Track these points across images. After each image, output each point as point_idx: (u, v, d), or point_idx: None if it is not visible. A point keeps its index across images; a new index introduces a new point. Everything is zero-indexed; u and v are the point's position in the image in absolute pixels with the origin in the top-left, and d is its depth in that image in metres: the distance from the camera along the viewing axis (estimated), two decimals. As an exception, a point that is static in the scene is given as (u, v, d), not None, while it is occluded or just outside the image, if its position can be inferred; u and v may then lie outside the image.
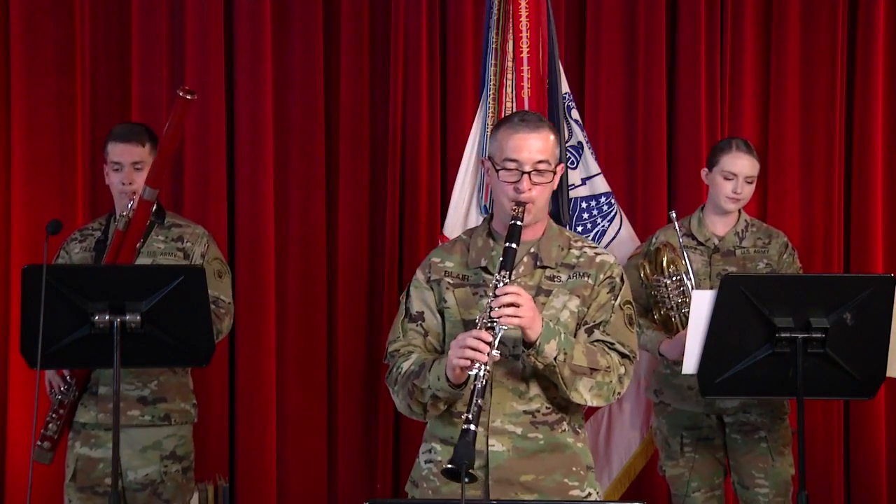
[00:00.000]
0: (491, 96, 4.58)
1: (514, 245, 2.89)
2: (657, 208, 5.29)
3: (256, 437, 5.10)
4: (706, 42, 5.35)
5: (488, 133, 4.55)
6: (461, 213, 4.58)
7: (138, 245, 3.98)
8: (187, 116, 3.98)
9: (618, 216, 4.71)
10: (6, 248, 4.99)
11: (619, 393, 3.01)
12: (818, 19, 5.40)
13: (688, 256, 4.24)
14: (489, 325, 2.81)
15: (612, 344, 3.01)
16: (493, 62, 4.59)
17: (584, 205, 4.68)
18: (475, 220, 4.53)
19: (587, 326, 3.02)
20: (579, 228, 4.64)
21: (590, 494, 3.03)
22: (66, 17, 5.04)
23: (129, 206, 3.95)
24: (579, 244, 3.10)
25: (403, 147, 5.20)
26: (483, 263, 3.02)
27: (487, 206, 4.52)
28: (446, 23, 5.28)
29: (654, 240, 4.38)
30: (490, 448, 2.95)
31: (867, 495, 5.35)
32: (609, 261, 3.07)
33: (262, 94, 5.13)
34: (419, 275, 3.11)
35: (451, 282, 3.04)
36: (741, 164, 4.26)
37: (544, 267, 3.02)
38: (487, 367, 2.78)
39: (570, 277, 3.02)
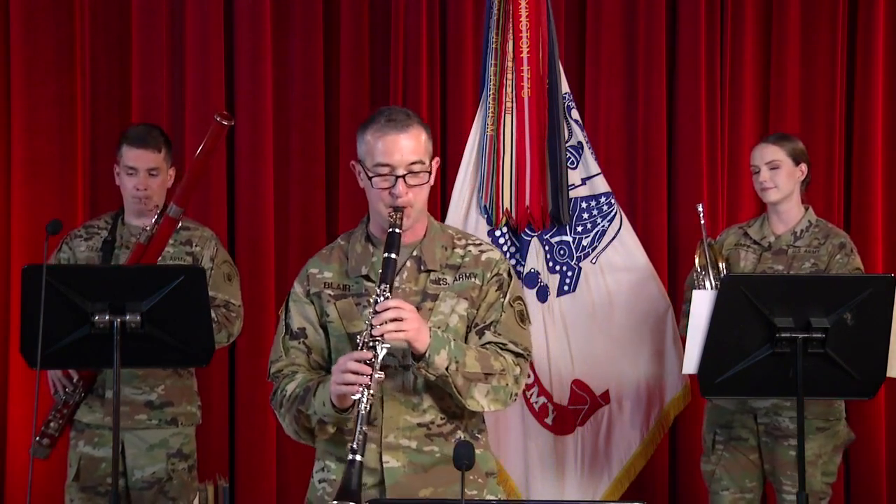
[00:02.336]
0: (491, 96, 4.58)
1: (393, 255, 2.75)
2: (657, 208, 5.29)
3: (256, 437, 5.10)
4: (706, 42, 5.35)
5: (488, 133, 4.56)
6: (461, 213, 4.57)
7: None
8: (221, 140, 3.98)
9: (618, 216, 4.70)
10: (6, 248, 4.99)
11: (515, 395, 2.89)
12: (818, 19, 5.40)
13: (740, 254, 4.29)
14: (370, 343, 2.68)
15: (505, 344, 2.88)
16: (493, 62, 4.58)
17: (584, 205, 4.67)
18: (475, 220, 4.53)
19: (478, 328, 2.90)
20: (579, 228, 4.64)
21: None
22: (66, 17, 5.05)
23: (153, 221, 3.94)
24: (462, 241, 2.96)
25: (403, 147, 5.20)
26: (364, 271, 2.88)
27: (487, 206, 4.53)
28: (446, 23, 5.28)
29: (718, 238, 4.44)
30: (385, 465, 2.83)
31: (867, 495, 5.35)
32: (495, 257, 2.94)
33: (262, 94, 5.13)
34: (297, 288, 2.94)
35: (332, 293, 2.89)
36: (758, 154, 4.29)
37: (428, 271, 2.88)
38: (371, 391, 2.65)
39: (456, 279, 2.89)
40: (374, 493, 2.80)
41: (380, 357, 2.68)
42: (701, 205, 4.36)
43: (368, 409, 2.65)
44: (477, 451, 2.87)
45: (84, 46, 5.07)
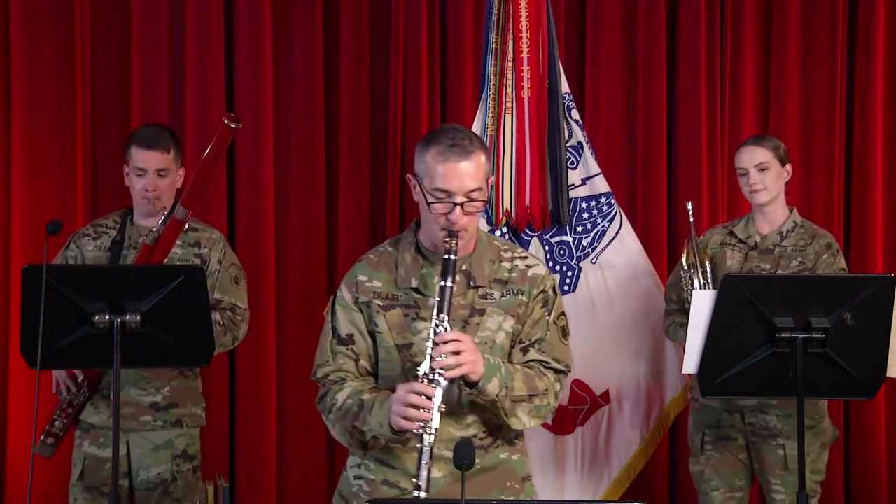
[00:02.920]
0: (491, 96, 4.58)
1: (449, 283, 2.75)
2: (657, 208, 5.29)
3: (256, 437, 5.10)
4: (706, 42, 5.35)
5: (488, 133, 4.56)
6: (461, 213, 4.57)
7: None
8: (228, 143, 3.98)
9: (618, 216, 4.71)
10: (6, 248, 4.99)
11: (554, 409, 2.99)
12: (818, 19, 5.41)
13: (725, 254, 4.28)
14: (431, 378, 2.70)
15: (549, 363, 2.95)
16: (493, 62, 4.59)
17: (584, 205, 4.67)
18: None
19: (523, 346, 2.95)
20: (579, 228, 4.64)
21: None
22: (66, 17, 5.05)
23: (160, 222, 3.94)
24: (509, 255, 2.99)
25: (403, 147, 5.20)
26: (414, 284, 2.90)
27: (487, 206, 4.53)
28: (446, 23, 5.28)
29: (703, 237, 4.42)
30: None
31: (867, 495, 5.35)
32: (541, 273, 2.98)
33: (262, 94, 5.13)
34: (345, 293, 2.94)
35: (381, 304, 2.90)
36: (746, 157, 4.28)
37: (477, 286, 2.91)
38: (434, 426, 2.69)
39: (503, 295, 2.93)
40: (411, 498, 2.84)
41: (441, 391, 2.71)
42: (690, 203, 4.35)
43: (431, 443, 2.68)
44: (514, 458, 2.99)
45: (84, 46, 5.06)
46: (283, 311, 5.17)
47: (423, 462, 2.66)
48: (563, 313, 3.02)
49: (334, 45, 5.25)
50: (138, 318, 3.45)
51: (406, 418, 2.70)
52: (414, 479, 2.67)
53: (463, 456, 2.62)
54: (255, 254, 5.10)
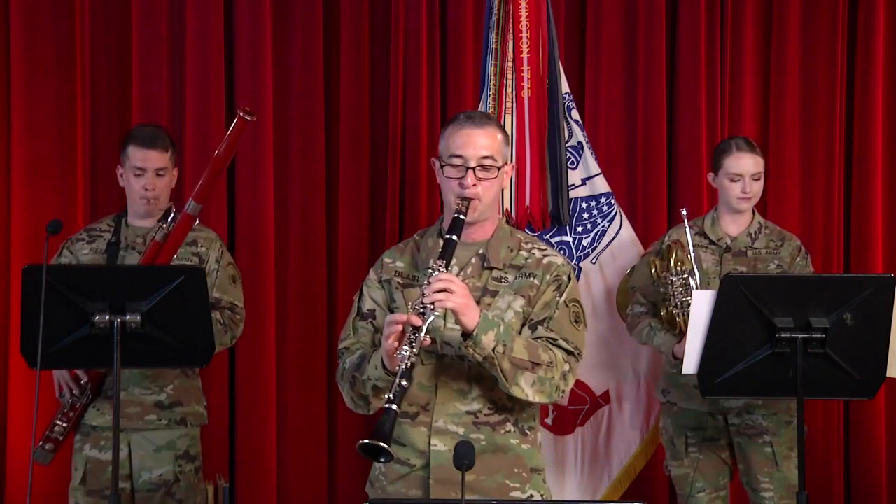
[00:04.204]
0: (491, 96, 4.58)
1: (454, 237, 2.90)
2: (657, 208, 5.29)
3: (256, 437, 5.10)
4: (706, 42, 5.35)
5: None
6: (461, 213, 4.57)
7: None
8: (244, 135, 3.99)
9: (618, 216, 4.71)
10: (6, 248, 4.99)
11: (563, 391, 2.98)
12: (818, 19, 5.40)
13: (699, 256, 4.25)
14: (420, 310, 2.81)
15: (556, 340, 2.98)
16: (493, 62, 4.59)
17: (584, 205, 4.68)
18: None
19: (531, 323, 3.01)
20: (579, 228, 4.64)
21: (531, 496, 3.02)
22: (66, 17, 5.04)
23: (170, 220, 3.94)
24: (529, 245, 3.08)
25: (403, 147, 5.20)
26: (431, 264, 2.98)
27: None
28: (446, 23, 5.28)
29: (666, 238, 4.38)
30: (432, 448, 2.96)
31: (867, 496, 5.35)
32: (557, 262, 3.06)
33: (262, 94, 5.13)
34: (372, 274, 3.14)
35: (401, 282, 3.07)
36: (745, 164, 4.26)
37: (491, 268, 3.01)
38: (415, 350, 2.78)
39: (516, 278, 3.02)
40: (420, 475, 2.95)
41: (427, 323, 2.79)
42: (685, 209, 4.32)
43: (410, 364, 2.77)
44: (524, 447, 3.03)
45: (84, 46, 5.06)
46: (283, 311, 5.17)
47: (398, 378, 2.75)
48: (577, 300, 3.05)
49: (334, 45, 5.25)
50: (138, 318, 3.45)
51: (390, 336, 2.79)
52: (387, 394, 2.76)
53: (463, 456, 2.64)
54: (255, 254, 5.10)
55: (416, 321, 2.78)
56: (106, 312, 3.45)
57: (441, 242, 2.98)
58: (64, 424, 4.00)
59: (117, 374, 3.46)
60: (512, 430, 3.01)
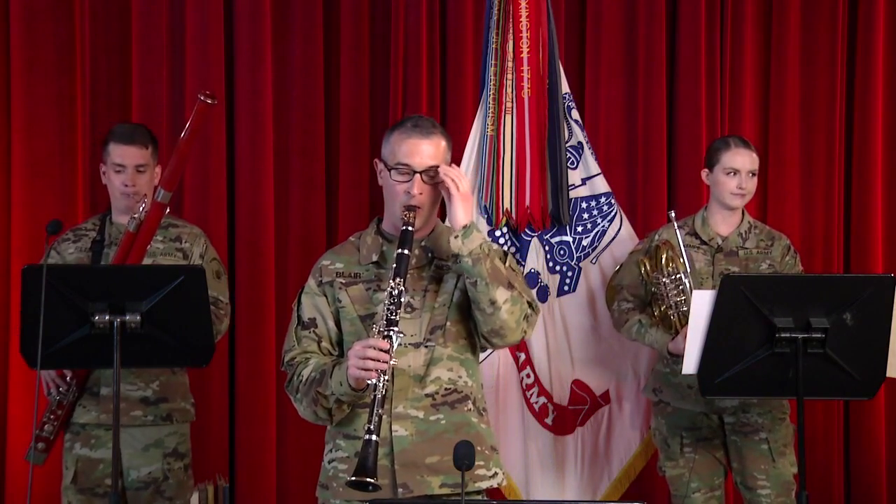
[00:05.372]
0: (491, 96, 4.58)
1: (406, 251, 2.95)
2: (657, 208, 5.29)
3: (256, 437, 5.10)
4: (706, 42, 5.35)
5: (488, 133, 4.56)
6: (461, 213, 4.57)
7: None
8: (207, 120, 3.98)
9: (618, 216, 4.71)
10: (6, 248, 4.99)
11: (524, 330, 3.05)
12: (818, 19, 5.41)
13: (691, 256, 4.24)
14: (386, 333, 2.88)
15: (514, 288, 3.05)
16: (493, 62, 4.58)
17: (584, 205, 4.67)
18: (475, 220, 4.53)
19: None
20: (579, 228, 4.64)
21: (496, 474, 3.08)
22: (66, 17, 5.05)
23: (142, 208, 3.93)
24: None
25: (403, 147, 5.20)
26: (374, 258, 3.10)
27: (487, 206, 4.53)
28: (446, 23, 5.28)
29: (655, 237, 4.38)
30: (394, 433, 3.00)
31: (867, 495, 5.35)
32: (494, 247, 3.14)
33: (262, 94, 5.13)
34: (310, 281, 3.16)
35: (344, 281, 3.10)
36: (742, 159, 4.27)
37: (434, 258, 3.10)
38: (386, 378, 2.86)
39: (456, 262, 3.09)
40: (384, 462, 2.96)
41: (394, 346, 2.88)
42: (673, 211, 4.32)
43: (384, 392, 2.85)
44: (482, 426, 3.10)
45: (84, 46, 5.06)
46: (283, 311, 5.16)
47: (375, 409, 2.82)
48: (519, 263, 3.09)
49: (334, 45, 5.25)
50: (138, 318, 3.46)
51: (363, 369, 2.85)
52: (366, 426, 2.82)
53: (462, 456, 2.65)
54: (255, 254, 5.10)
55: (384, 345, 2.86)
56: (106, 312, 3.45)
57: (380, 240, 3.11)
58: (53, 423, 4.00)
59: (117, 374, 3.47)
60: (472, 408, 3.07)
